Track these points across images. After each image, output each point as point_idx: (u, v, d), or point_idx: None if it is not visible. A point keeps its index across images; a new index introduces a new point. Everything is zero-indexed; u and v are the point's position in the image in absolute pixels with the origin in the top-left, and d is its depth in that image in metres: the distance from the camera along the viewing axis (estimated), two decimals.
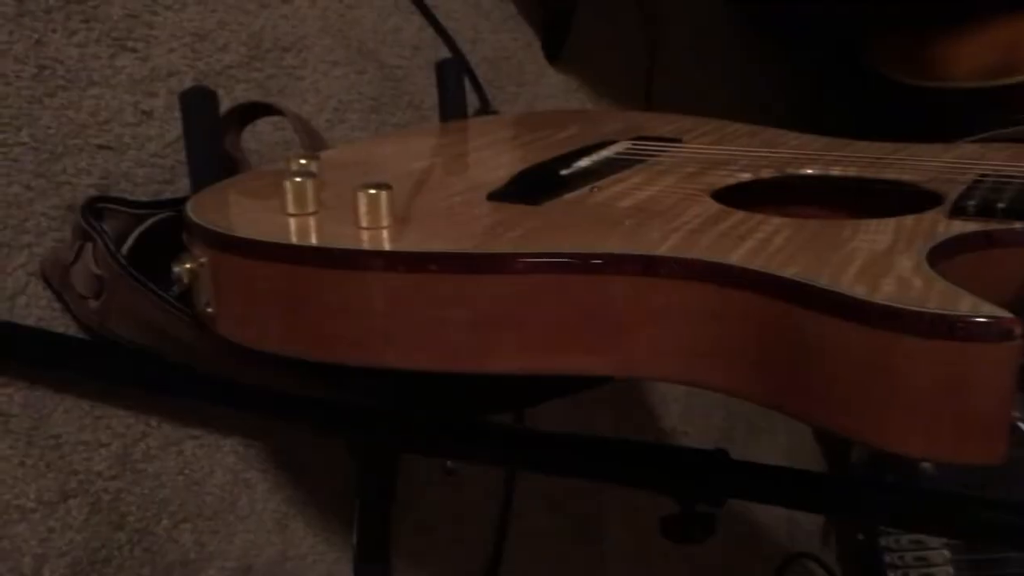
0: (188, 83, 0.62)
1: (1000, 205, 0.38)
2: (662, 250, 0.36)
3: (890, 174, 0.46)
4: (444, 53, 0.85)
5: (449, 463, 0.64)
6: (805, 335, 0.32)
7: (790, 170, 0.49)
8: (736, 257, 0.35)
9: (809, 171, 0.48)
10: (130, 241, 0.51)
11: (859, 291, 0.31)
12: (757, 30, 1.38)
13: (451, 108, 0.68)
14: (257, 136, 0.65)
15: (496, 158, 0.55)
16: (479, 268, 0.36)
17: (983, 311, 0.29)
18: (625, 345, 0.36)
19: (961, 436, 0.30)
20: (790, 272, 0.33)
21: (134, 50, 0.58)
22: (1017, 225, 0.37)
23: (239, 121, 0.58)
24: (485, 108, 0.89)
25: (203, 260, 0.41)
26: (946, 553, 1.29)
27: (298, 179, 0.42)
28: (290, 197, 0.42)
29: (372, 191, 0.40)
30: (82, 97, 0.56)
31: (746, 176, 0.48)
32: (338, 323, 0.38)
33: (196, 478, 0.58)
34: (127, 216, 0.52)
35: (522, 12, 0.97)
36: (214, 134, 0.51)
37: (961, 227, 0.37)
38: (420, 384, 0.52)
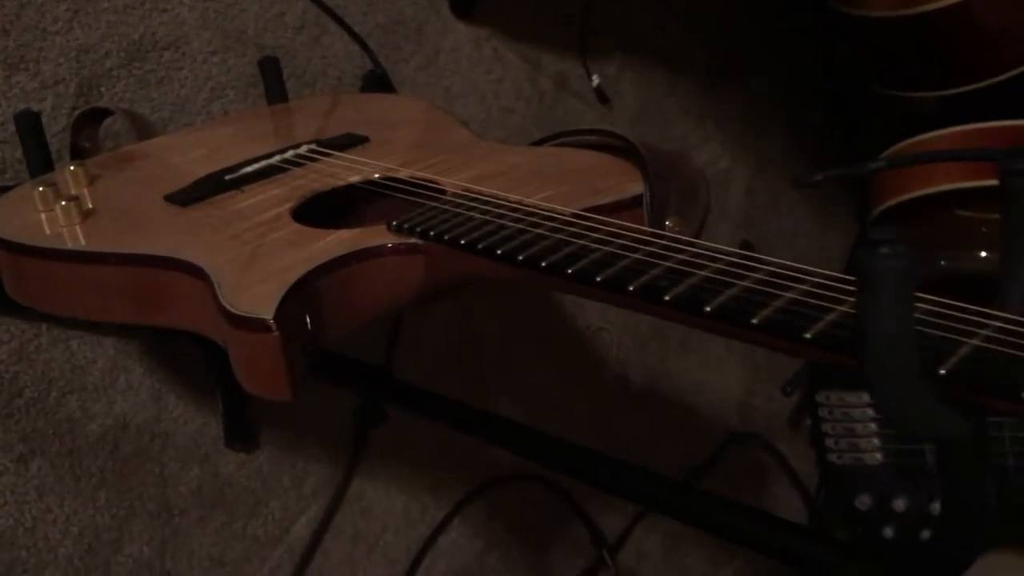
0: (72, 87, 0.86)
1: (405, 225, 0.56)
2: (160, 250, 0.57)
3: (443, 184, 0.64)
4: (331, 28, 1.05)
5: None
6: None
7: (376, 176, 0.67)
8: (189, 251, 0.56)
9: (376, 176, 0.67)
10: None
11: (226, 293, 0.52)
12: None
13: (273, 96, 0.89)
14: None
15: (235, 152, 0.76)
16: (72, 259, 0.60)
17: (258, 313, 0.49)
18: (165, 309, 0.58)
19: (264, 383, 0.51)
20: (219, 281, 0.54)
21: (26, 69, 0.83)
22: (415, 241, 0.55)
23: (90, 120, 0.82)
24: (375, 70, 1.09)
25: None
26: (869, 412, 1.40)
27: (40, 188, 0.66)
28: (37, 200, 0.66)
29: (64, 203, 0.63)
30: None
31: (339, 183, 0.67)
32: (32, 286, 0.63)
33: (80, 364, 0.86)
34: None
35: None
36: (42, 144, 0.76)
37: (381, 239, 0.56)
38: None
